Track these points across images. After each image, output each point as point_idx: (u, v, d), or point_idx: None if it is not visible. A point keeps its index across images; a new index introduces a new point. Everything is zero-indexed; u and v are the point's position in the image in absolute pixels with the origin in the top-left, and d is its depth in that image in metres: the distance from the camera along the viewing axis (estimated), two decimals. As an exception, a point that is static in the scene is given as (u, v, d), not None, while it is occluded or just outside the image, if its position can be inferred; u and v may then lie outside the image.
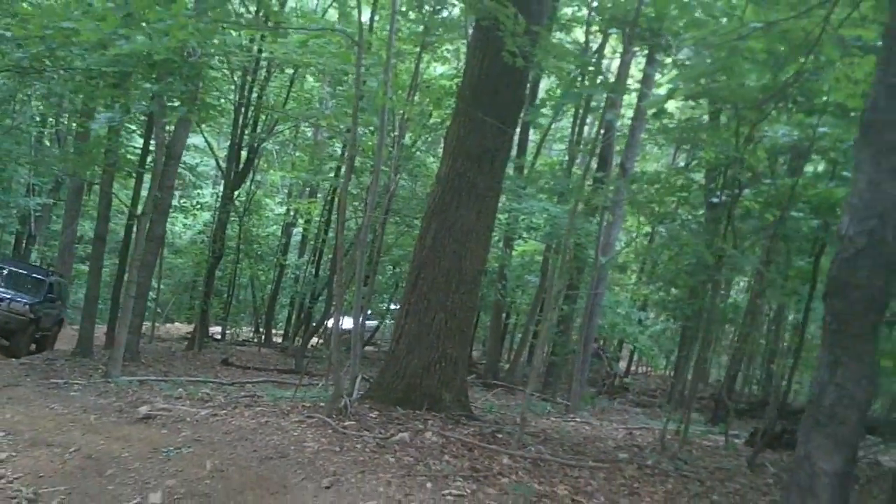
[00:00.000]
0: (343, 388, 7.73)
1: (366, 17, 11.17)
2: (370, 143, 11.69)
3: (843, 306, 3.71)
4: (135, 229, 12.75)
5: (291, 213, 22.53)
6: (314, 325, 17.84)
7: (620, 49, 11.87)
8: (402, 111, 9.39)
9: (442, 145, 10.50)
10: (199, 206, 20.27)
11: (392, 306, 18.44)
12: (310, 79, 17.85)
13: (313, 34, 8.04)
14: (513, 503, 5.58)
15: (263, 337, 20.52)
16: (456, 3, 9.08)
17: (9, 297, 14.85)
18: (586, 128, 15.99)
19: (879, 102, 3.67)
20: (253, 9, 14.12)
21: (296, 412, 7.81)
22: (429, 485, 5.78)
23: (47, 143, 23.33)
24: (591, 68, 8.41)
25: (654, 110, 8.32)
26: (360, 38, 6.74)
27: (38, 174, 22.11)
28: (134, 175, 15.50)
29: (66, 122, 22.14)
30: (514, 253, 17.80)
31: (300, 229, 23.86)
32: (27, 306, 14.94)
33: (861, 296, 3.65)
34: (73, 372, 12.34)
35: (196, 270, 26.04)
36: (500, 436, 7.61)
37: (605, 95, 8.29)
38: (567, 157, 14.44)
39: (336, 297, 9.14)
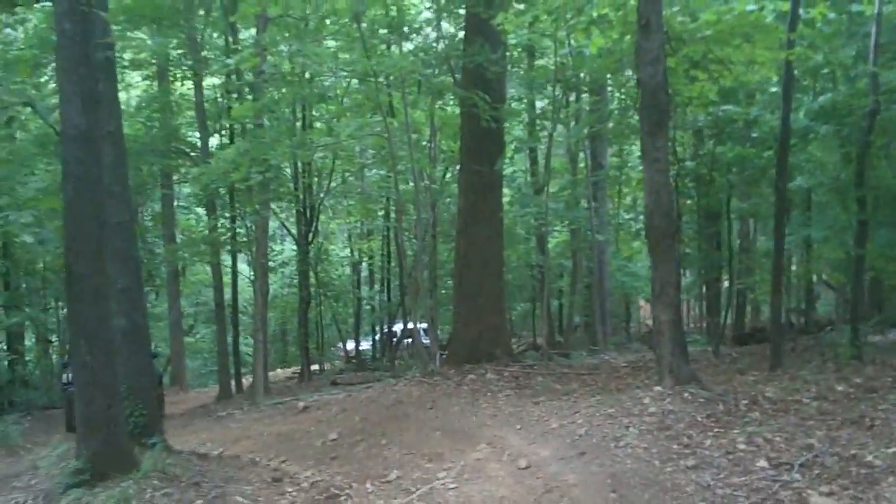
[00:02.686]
0: (428, 361, 12.04)
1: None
2: (408, 188, 15.82)
3: (652, 235, 7.83)
4: (252, 291, 17.26)
5: (356, 254, 27.01)
6: (395, 339, 22.22)
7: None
8: (426, 170, 13.59)
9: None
10: (283, 264, 24.96)
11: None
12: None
13: (357, 133, 12.34)
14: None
15: (356, 362, 24.86)
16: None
17: None
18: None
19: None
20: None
21: (401, 383, 12.11)
22: (488, 394, 10.00)
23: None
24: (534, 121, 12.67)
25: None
26: (389, 137, 11.10)
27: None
28: (230, 250, 19.96)
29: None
30: (549, 246, 21.82)
31: (366, 265, 28.30)
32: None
33: (658, 232, 7.76)
34: (227, 408, 16.73)
35: (283, 320, 30.77)
36: (535, 367, 11.81)
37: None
38: (570, 161, 18.43)
39: (411, 309, 13.47)
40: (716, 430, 6.54)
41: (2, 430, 13.54)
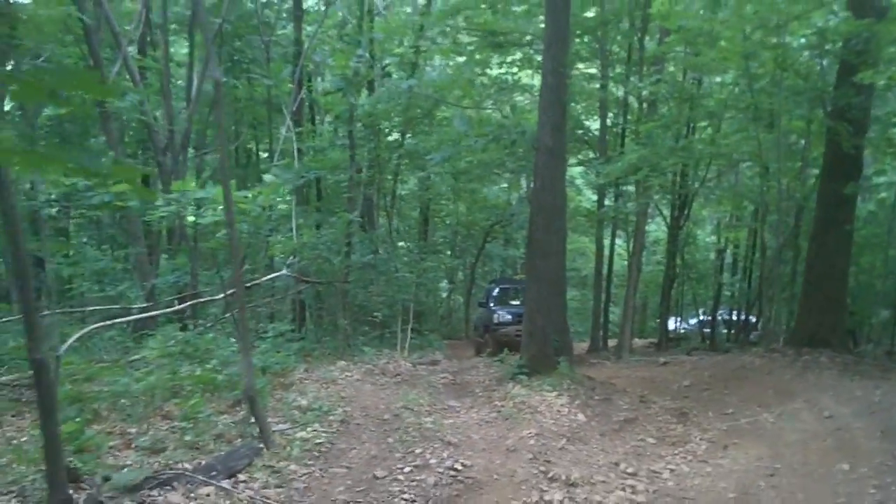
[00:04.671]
0: (772, 339, 15.03)
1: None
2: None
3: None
4: (626, 265, 21.26)
5: (722, 241, 29.71)
6: (752, 324, 24.89)
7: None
8: (791, 180, 16.30)
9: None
10: (654, 243, 28.72)
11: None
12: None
13: (737, 145, 15.51)
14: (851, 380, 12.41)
15: (709, 339, 27.82)
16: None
17: None
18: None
19: None
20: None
21: (746, 354, 15.23)
22: (816, 370, 12.82)
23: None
24: None
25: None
26: (762, 149, 14.17)
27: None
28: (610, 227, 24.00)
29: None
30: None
31: (730, 253, 30.88)
32: None
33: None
34: (597, 358, 20.71)
35: (645, 294, 34.46)
36: (866, 359, 14.26)
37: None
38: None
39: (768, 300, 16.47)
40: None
41: (436, 344, 18.94)
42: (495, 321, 18.71)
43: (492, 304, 19.98)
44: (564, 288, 12.77)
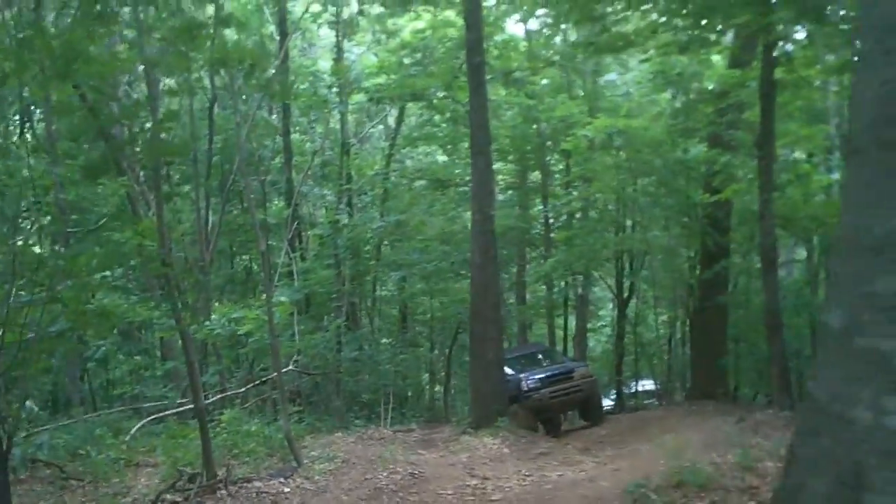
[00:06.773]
0: (676, 398, 20.04)
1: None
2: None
3: None
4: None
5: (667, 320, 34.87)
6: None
7: None
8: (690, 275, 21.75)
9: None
10: (603, 326, 33.96)
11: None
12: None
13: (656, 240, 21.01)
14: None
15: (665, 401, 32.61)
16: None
17: (572, 365, 19.70)
18: None
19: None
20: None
21: (660, 409, 20.14)
22: (701, 415, 17.78)
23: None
24: None
25: None
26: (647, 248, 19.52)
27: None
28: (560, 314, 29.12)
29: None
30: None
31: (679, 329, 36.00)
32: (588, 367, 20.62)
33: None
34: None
35: (608, 374, 39.46)
36: (742, 406, 19.20)
37: None
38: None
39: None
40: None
41: (412, 420, 23.75)
42: (525, 388, 18.03)
43: (512, 372, 18.55)
44: (503, 364, 17.78)
